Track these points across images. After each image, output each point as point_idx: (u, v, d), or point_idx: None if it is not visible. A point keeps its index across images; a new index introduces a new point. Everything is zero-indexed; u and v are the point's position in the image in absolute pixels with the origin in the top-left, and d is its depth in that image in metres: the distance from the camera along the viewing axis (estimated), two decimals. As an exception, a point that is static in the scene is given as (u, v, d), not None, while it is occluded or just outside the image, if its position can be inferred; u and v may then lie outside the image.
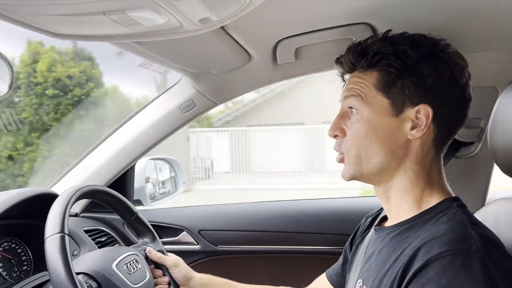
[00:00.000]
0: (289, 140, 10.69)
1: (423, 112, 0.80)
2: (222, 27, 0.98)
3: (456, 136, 1.32)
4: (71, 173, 1.52)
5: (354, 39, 1.03)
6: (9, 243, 1.20)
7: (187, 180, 1.90)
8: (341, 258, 1.11)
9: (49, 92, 7.04)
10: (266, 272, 1.64)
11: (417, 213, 0.81)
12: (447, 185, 0.86)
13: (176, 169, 1.84)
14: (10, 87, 0.85)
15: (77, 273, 0.91)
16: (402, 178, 0.83)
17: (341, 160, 0.88)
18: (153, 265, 1.14)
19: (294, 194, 7.59)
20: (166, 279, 1.13)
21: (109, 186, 1.49)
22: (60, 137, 7.14)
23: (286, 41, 1.13)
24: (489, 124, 0.86)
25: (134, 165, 1.60)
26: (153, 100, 1.50)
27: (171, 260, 1.15)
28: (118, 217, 1.18)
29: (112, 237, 1.52)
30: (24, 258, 1.21)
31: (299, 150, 10.65)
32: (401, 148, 0.82)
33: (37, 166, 6.52)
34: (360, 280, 0.86)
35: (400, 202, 0.84)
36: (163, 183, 1.80)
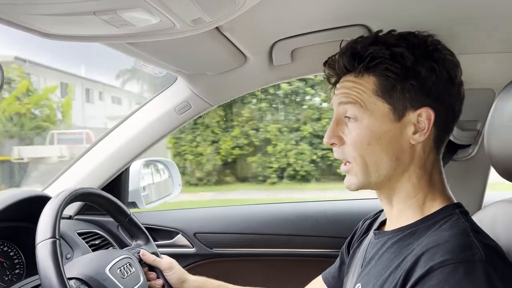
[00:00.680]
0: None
1: (425, 116, 0.79)
2: (217, 28, 0.98)
3: (453, 139, 1.32)
4: (64, 175, 1.51)
5: (350, 41, 1.02)
6: (1, 246, 1.18)
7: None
8: (337, 261, 1.10)
9: None
10: (261, 275, 1.63)
11: (419, 218, 0.80)
12: (448, 189, 0.85)
13: (172, 171, 1.83)
14: (0, 87, 0.84)
15: (70, 278, 0.90)
16: (406, 183, 0.82)
17: (347, 171, 0.84)
18: (147, 268, 1.13)
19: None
20: (160, 281, 1.13)
21: (103, 189, 1.47)
22: None
23: (282, 42, 1.12)
24: (485, 127, 0.85)
25: (129, 167, 1.59)
26: (148, 102, 1.49)
27: (165, 262, 1.14)
28: (112, 219, 1.17)
29: (106, 239, 1.50)
30: (16, 261, 1.20)
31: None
32: (405, 154, 0.80)
33: None
34: (359, 285, 0.84)
35: (403, 207, 0.83)
36: (158, 185, 1.79)
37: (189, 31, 0.77)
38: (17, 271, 1.19)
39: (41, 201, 1.10)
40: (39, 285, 1.02)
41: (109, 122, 12.40)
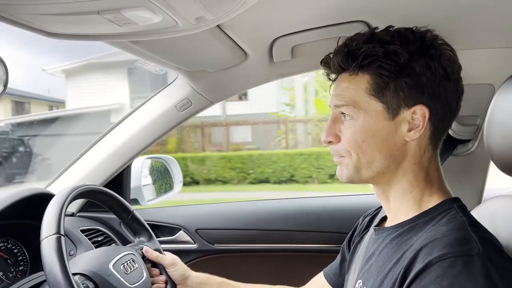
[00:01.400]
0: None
1: (420, 113, 0.79)
2: (218, 25, 0.98)
3: (453, 134, 1.33)
4: (67, 173, 1.52)
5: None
6: (5, 244, 1.19)
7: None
8: (338, 257, 1.11)
9: None
10: (263, 271, 1.64)
11: (417, 213, 0.81)
12: (446, 184, 0.85)
13: (173, 167, 1.84)
14: (5, 86, 0.84)
15: (74, 274, 0.91)
16: (401, 179, 0.83)
17: (339, 162, 0.86)
18: (150, 264, 1.14)
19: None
20: (163, 278, 1.13)
21: (106, 186, 1.48)
22: None
23: (282, 39, 1.13)
24: (485, 122, 0.86)
25: (131, 164, 1.60)
26: (149, 99, 1.49)
27: (168, 259, 1.15)
28: (114, 216, 1.18)
29: (109, 236, 1.51)
30: (20, 258, 1.21)
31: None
32: (398, 151, 0.81)
33: None
34: (360, 281, 0.85)
35: (400, 203, 0.84)
36: (159, 181, 1.79)
37: (192, 29, 0.77)
38: (21, 268, 1.20)
39: (44, 198, 1.11)
40: (43, 281, 1.04)
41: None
